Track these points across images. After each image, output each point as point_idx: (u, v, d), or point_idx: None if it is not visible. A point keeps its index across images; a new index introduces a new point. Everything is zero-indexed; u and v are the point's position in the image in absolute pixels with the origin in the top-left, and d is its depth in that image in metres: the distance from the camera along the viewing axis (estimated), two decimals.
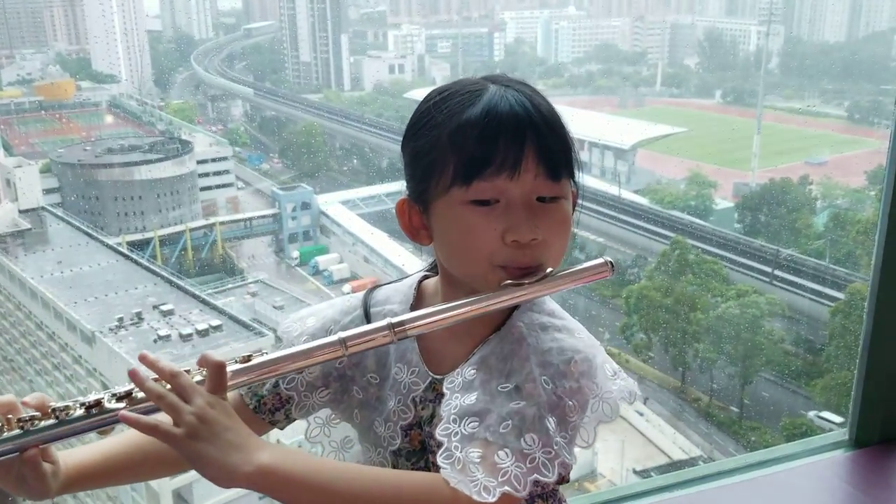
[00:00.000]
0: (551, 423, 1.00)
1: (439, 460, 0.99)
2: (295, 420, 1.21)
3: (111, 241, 13.77)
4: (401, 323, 1.03)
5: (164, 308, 11.94)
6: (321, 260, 15.55)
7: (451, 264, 1.10)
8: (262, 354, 1.04)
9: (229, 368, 1.01)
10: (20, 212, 13.68)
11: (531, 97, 1.06)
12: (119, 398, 0.98)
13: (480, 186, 1.02)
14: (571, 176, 1.08)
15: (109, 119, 17.19)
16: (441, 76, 18.91)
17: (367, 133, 17.92)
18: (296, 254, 15.84)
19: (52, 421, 0.98)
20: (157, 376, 0.99)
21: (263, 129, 19.51)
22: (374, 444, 1.16)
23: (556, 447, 0.98)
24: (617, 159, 15.73)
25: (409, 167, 1.11)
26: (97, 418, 0.98)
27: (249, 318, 12.24)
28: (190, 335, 11.29)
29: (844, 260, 13.04)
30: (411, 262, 13.35)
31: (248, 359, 1.03)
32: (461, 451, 0.98)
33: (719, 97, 18.28)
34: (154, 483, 10.31)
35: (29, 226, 13.68)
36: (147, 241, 14.05)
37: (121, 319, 11.67)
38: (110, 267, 13.31)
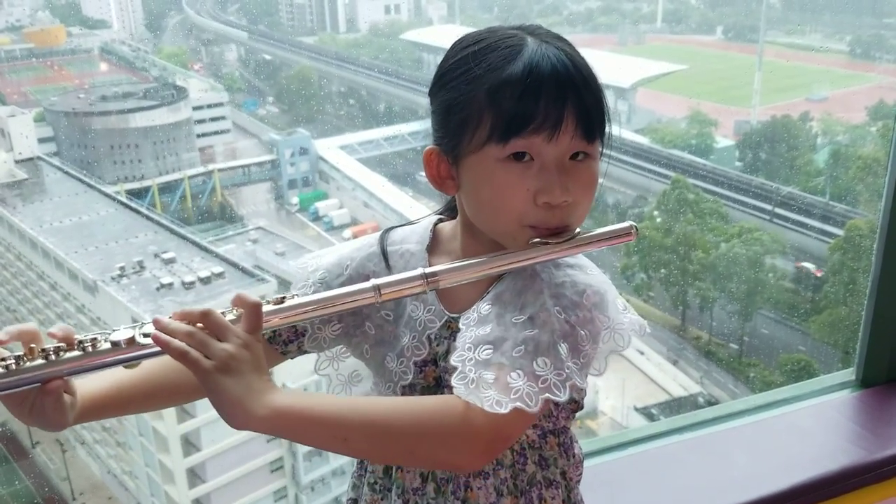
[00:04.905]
0: (563, 348, 1.02)
1: (453, 381, 1.02)
2: (306, 353, 1.23)
3: (109, 189, 13.69)
4: (434, 273, 1.05)
5: (165, 256, 11.92)
6: (321, 205, 15.48)
7: (479, 219, 1.11)
8: (294, 297, 1.05)
9: (263, 309, 1.02)
10: (16, 162, 13.58)
11: (571, 55, 1.06)
12: (148, 335, 0.98)
13: (517, 144, 1.03)
14: (603, 135, 1.09)
15: (103, 66, 16.93)
16: (438, 16, 18.55)
17: (363, 76, 17.68)
18: (295, 200, 15.76)
19: (77, 353, 0.96)
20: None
21: (259, 74, 19.24)
22: (384, 379, 1.19)
23: (567, 370, 1.01)
24: (617, 98, 15.55)
25: (441, 118, 1.11)
26: (125, 353, 0.97)
27: (251, 265, 12.26)
28: (192, 283, 11.30)
29: (844, 196, 13.01)
30: (413, 206, 13.31)
31: (281, 300, 1.04)
32: (475, 373, 1.00)
33: (720, 33, 17.97)
34: (162, 428, 10.45)
35: (25, 176, 13.58)
36: (145, 190, 13.96)
37: (122, 268, 11.66)
38: (110, 216, 13.26)
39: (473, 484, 1.16)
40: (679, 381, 12.86)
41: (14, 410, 1.00)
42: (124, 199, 13.57)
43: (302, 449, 11.28)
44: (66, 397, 1.02)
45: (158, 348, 0.97)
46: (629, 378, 12.47)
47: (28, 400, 0.98)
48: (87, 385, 1.08)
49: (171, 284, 11.29)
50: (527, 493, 1.17)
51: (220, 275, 11.47)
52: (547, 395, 0.99)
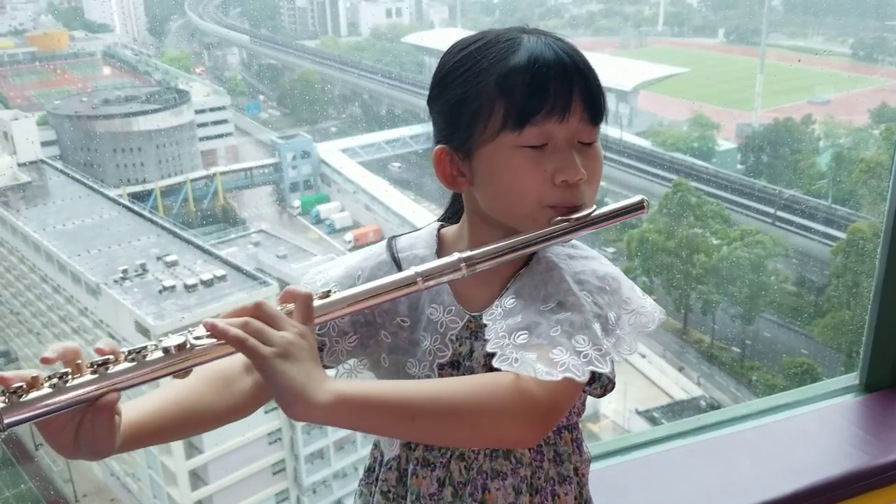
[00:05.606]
0: (597, 328, 1.05)
1: (496, 363, 1.03)
2: (324, 367, 1.23)
3: (112, 193, 13.72)
4: (471, 257, 1.06)
5: (167, 259, 11.95)
6: (323, 209, 15.51)
7: (497, 207, 1.13)
8: (339, 291, 1.04)
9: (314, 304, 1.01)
10: (19, 165, 13.61)
11: (569, 45, 1.10)
12: (199, 338, 0.94)
13: (531, 131, 1.06)
14: (601, 122, 1.12)
15: (105, 70, 16.97)
16: (440, 19, 18.59)
17: (365, 79, 17.71)
18: (297, 203, 15.80)
19: (128, 364, 0.90)
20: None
21: (261, 78, 19.28)
22: None
23: (605, 346, 1.04)
24: (619, 101, 15.55)
25: (449, 115, 1.12)
26: (178, 359, 0.92)
27: (253, 268, 12.28)
28: (195, 285, 11.32)
29: (847, 199, 13.00)
30: (415, 210, 13.33)
31: (327, 294, 1.03)
32: (517, 353, 1.02)
33: (722, 36, 17.99)
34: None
35: (29, 179, 13.62)
36: (148, 193, 14.00)
37: (125, 271, 11.69)
38: (112, 219, 13.29)
39: (492, 485, 1.16)
40: (681, 385, 12.85)
41: (53, 439, 0.92)
42: (127, 203, 13.61)
43: (304, 451, 11.29)
44: (115, 417, 0.94)
45: (213, 353, 0.93)
46: (631, 381, 12.46)
47: (72, 423, 0.91)
48: (125, 412, 1.01)
49: (173, 287, 11.31)
50: (542, 490, 1.18)
51: (222, 277, 11.49)
52: (592, 367, 1.01)
